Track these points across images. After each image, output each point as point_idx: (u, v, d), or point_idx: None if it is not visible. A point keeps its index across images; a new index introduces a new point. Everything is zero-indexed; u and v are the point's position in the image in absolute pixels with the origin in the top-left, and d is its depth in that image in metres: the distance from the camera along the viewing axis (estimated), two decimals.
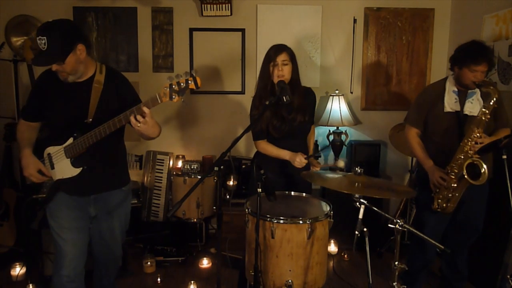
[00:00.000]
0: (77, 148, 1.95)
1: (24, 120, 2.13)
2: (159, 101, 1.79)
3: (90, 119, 1.97)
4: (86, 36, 2.00)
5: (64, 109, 1.99)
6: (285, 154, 2.30)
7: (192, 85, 1.76)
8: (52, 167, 2.04)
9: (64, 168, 2.01)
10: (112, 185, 2.15)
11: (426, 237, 1.85)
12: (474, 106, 2.36)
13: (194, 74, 1.75)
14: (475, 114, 2.32)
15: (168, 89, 1.77)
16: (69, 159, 1.99)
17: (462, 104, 2.38)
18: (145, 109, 1.81)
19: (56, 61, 1.85)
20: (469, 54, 2.30)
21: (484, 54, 2.27)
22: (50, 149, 2.03)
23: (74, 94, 1.99)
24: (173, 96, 1.77)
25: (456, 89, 2.40)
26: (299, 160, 2.22)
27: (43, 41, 1.80)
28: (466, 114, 2.37)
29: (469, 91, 2.37)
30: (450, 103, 2.39)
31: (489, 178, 2.44)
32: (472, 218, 2.53)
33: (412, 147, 2.57)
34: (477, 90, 2.35)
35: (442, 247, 1.81)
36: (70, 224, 2.05)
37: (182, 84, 1.76)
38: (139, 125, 1.84)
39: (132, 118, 1.83)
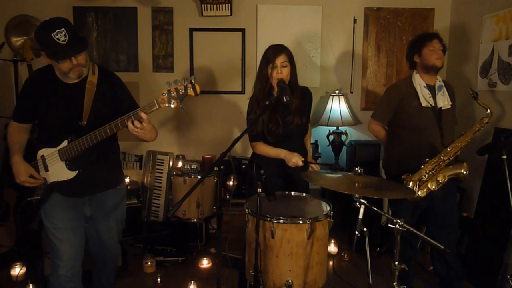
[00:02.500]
0: (72, 151, 1.93)
1: (15, 121, 2.08)
2: (157, 107, 1.78)
3: (85, 122, 1.95)
4: None
5: (58, 111, 1.96)
6: (280, 152, 2.29)
7: (191, 92, 1.75)
8: (46, 169, 2.02)
9: (59, 171, 1.99)
10: (106, 185, 2.14)
11: (426, 237, 1.86)
12: (444, 99, 2.52)
13: (193, 81, 1.75)
14: (448, 107, 2.52)
15: (166, 95, 1.76)
16: (63, 162, 1.97)
17: (434, 99, 2.51)
18: (143, 115, 1.80)
19: (86, 47, 1.86)
20: (419, 38, 2.58)
21: (432, 34, 2.58)
22: (44, 151, 2.01)
23: (67, 96, 1.96)
24: (172, 102, 1.76)
25: (425, 84, 2.53)
26: (295, 161, 2.21)
27: (63, 33, 1.77)
28: (441, 108, 2.50)
29: (437, 85, 2.54)
30: (426, 98, 2.50)
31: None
32: (448, 216, 2.61)
33: (382, 137, 2.76)
34: (443, 84, 2.55)
35: (442, 247, 1.81)
36: (65, 224, 2.04)
37: (180, 90, 1.75)
38: (136, 130, 1.82)
39: (129, 123, 1.81)
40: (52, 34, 1.77)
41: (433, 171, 2.41)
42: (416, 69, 2.58)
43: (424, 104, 2.48)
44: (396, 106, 2.57)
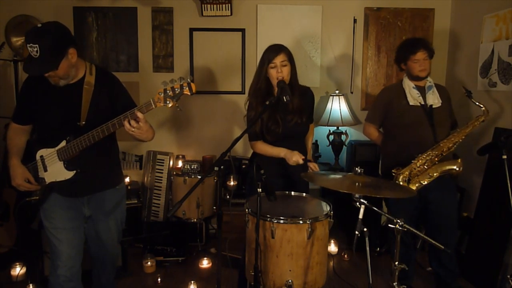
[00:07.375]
0: (70, 151, 1.94)
1: (15, 123, 2.09)
2: (154, 106, 1.79)
3: (83, 122, 1.95)
4: (75, 38, 1.96)
5: (56, 111, 1.97)
6: (280, 151, 2.28)
7: (187, 90, 1.76)
8: (45, 170, 2.02)
9: (58, 171, 1.99)
10: (105, 185, 2.14)
11: (426, 237, 1.86)
12: (434, 98, 2.57)
13: (189, 80, 1.75)
14: (438, 105, 2.56)
15: (162, 94, 1.77)
16: (62, 162, 1.98)
17: (424, 98, 2.57)
18: (139, 114, 1.81)
19: (50, 69, 1.83)
20: (404, 48, 2.59)
21: (416, 43, 2.54)
22: (43, 152, 2.01)
23: (65, 96, 1.96)
24: (168, 102, 1.77)
25: (414, 85, 2.59)
26: (296, 160, 2.20)
27: (35, 49, 1.76)
28: (431, 105, 2.55)
29: (427, 85, 2.59)
30: (414, 97, 2.57)
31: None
32: (447, 219, 2.60)
33: (375, 138, 2.85)
34: (433, 84, 2.61)
35: (442, 247, 1.81)
36: (64, 224, 2.04)
37: (176, 89, 1.76)
38: (133, 130, 1.83)
39: (126, 123, 1.82)
40: (28, 45, 1.78)
41: (424, 166, 2.45)
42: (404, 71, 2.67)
43: (412, 102, 2.56)
44: (386, 107, 2.68)
